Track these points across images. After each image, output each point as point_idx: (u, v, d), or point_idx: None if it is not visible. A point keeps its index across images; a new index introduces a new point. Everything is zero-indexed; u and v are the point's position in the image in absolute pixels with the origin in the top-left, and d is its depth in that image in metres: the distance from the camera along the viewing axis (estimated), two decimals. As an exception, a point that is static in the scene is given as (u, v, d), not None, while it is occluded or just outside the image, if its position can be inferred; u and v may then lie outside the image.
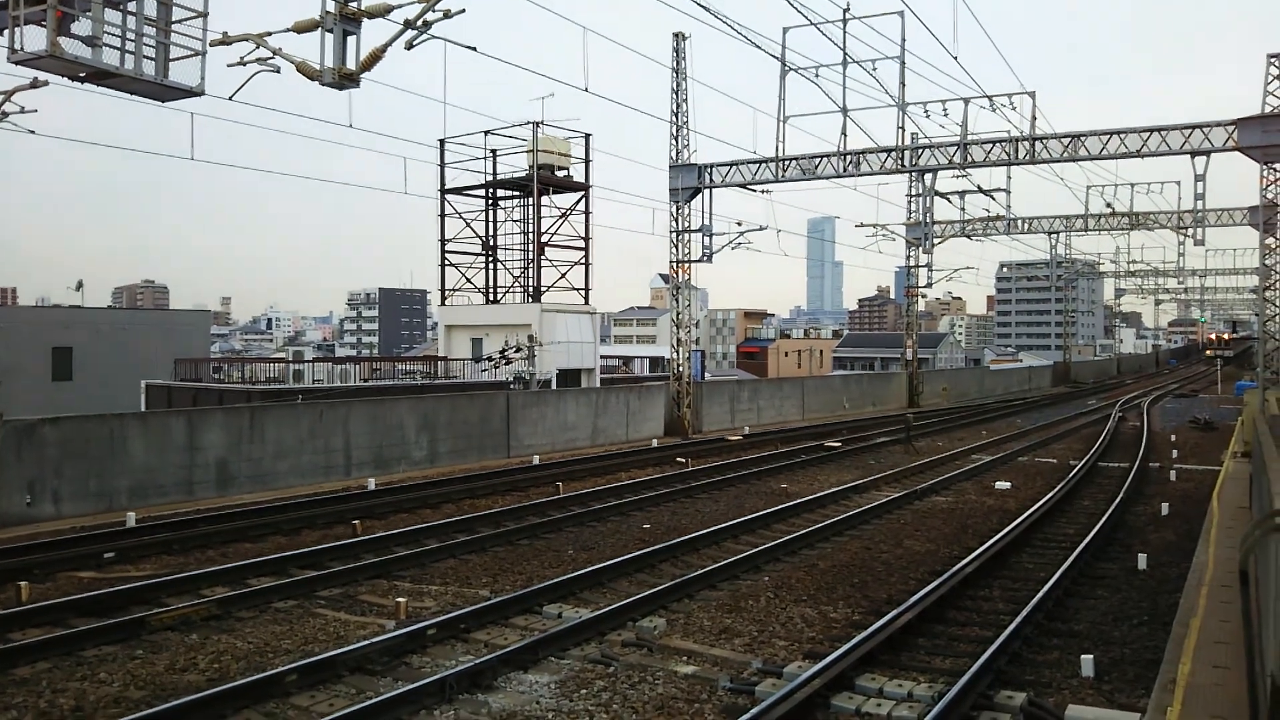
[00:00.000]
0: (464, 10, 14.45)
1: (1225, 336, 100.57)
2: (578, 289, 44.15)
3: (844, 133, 29.00)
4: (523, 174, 42.75)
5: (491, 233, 45.11)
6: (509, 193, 44.97)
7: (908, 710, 8.47)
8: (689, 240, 33.68)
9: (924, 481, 22.13)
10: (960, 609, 11.86)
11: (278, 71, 14.56)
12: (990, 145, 28.57)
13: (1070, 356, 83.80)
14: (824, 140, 32.59)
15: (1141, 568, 13.81)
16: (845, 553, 15.12)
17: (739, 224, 34.89)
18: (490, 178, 43.96)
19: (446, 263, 44.82)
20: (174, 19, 12.74)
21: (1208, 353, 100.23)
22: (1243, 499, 16.56)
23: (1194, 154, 26.57)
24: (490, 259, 45.15)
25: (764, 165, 31.06)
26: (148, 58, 12.51)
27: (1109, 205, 42.17)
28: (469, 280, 45.04)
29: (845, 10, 27.72)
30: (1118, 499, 18.83)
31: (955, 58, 26.54)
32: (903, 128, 28.58)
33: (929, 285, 50.65)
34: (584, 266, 44.16)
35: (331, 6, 13.69)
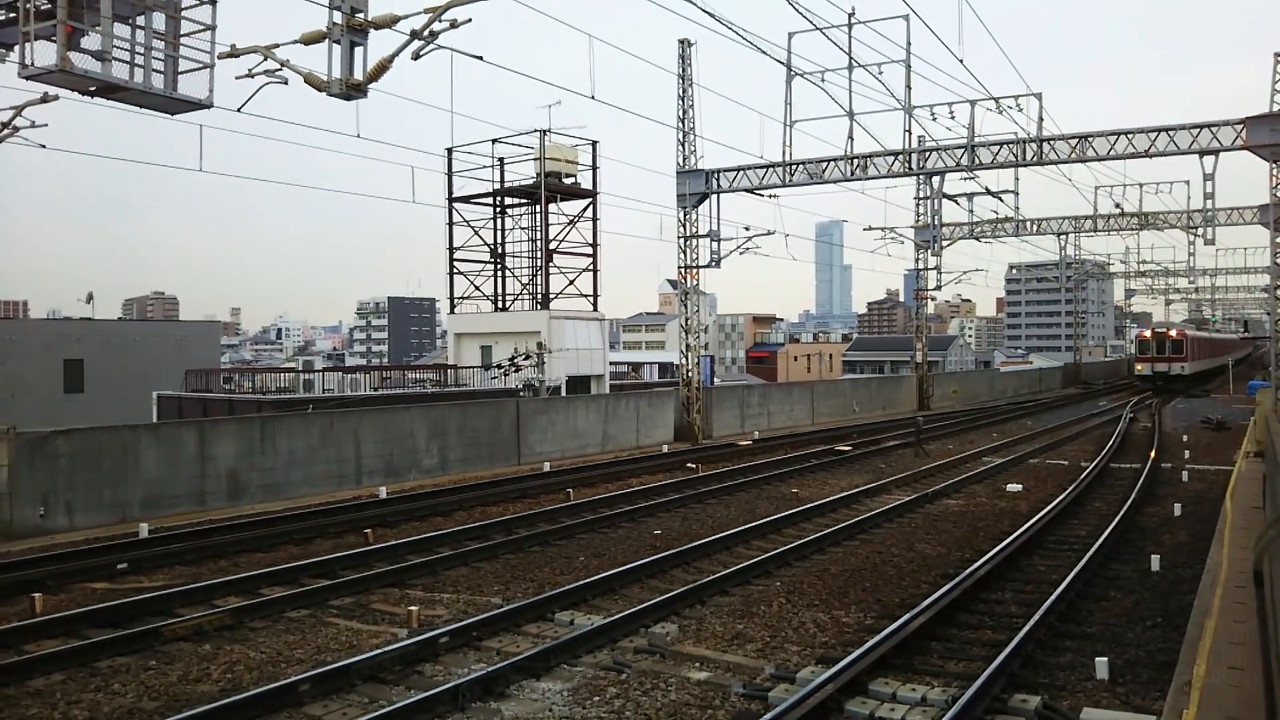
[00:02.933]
0: (470, 20, 14.52)
1: (1174, 333, 61.96)
2: (586, 295, 44.15)
3: (851, 136, 28.99)
4: (530, 182, 42.78)
5: (500, 240, 45.20)
6: (517, 200, 45.04)
7: (921, 715, 8.45)
8: (697, 245, 33.68)
9: (935, 485, 22.07)
10: (973, 612, 11.83)
11: (285, 83, 14.65)
12: (998, 147, 28.50)
13: (1081, 357, 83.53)
14: (831, 144, 32.78)
15: (1155, 569, 13.76)
16: (857, 557, 15.09)
17: (747, 229, 34.96)
18: (498, 186, 44.06)
19: (455, 271, 44.91)
20: (182, 32, 12.83)
21: (1137, 368, 61.78)
22: (1256, 499, 16.46)
23: (1203, 153, 26.48)
24: (499, 267, 45.22)
25: (771, 170, 31.04)
26: (157, 71, 12.60)
27: (1118, 205, 42.09)
28: (478, 288, 45.12)
29: (850, 15, 27.72)
30: (1130, 500, 18.75)
31: (961, 60, 26.54)
32: (909, 131, 28.58)
33: (938, 288, 50.55)
34: (592, 273, 44.16)
35: (339, 18, 13.75)
